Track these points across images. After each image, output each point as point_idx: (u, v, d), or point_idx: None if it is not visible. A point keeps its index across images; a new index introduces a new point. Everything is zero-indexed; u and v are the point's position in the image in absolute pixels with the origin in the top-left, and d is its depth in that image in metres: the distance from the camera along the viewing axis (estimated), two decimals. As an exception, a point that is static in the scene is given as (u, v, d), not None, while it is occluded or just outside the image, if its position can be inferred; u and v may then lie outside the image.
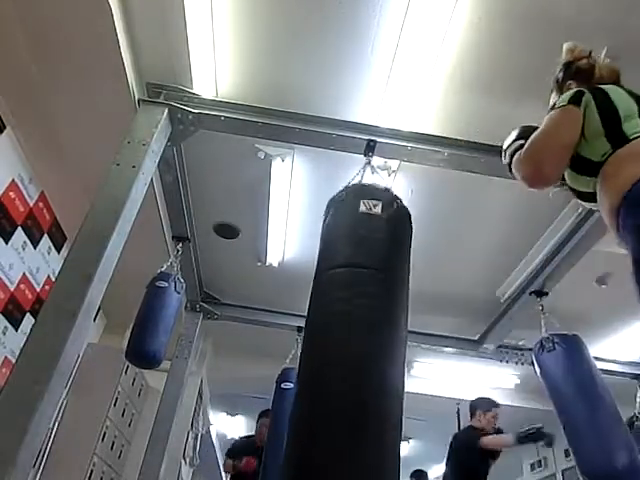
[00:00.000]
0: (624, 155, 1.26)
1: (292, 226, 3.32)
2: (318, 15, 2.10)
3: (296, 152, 2.74)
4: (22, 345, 1.66)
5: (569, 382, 2.73)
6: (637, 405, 4.03)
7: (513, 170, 1.47)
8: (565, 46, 1.69)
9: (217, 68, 2.33)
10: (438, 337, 4.18)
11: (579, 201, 1.46)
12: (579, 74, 1.58)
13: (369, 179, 2.24)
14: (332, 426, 1.31)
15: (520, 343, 4.12)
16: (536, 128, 1.43)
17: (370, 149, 2.33)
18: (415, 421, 6.09)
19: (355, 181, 2.13)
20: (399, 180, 2.80)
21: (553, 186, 1.43)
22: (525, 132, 1.49)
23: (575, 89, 1.44)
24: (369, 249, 1.64)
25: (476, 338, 4.21)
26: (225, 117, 2.35)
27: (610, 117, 1.33)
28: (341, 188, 1.90)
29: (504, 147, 1.58)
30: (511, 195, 2.83)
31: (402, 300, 1.60)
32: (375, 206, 1.73)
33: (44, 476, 3.31)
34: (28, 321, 2.98)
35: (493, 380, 5.11)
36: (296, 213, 3.21)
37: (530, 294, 3.37)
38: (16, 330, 2.91)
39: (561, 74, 1.63)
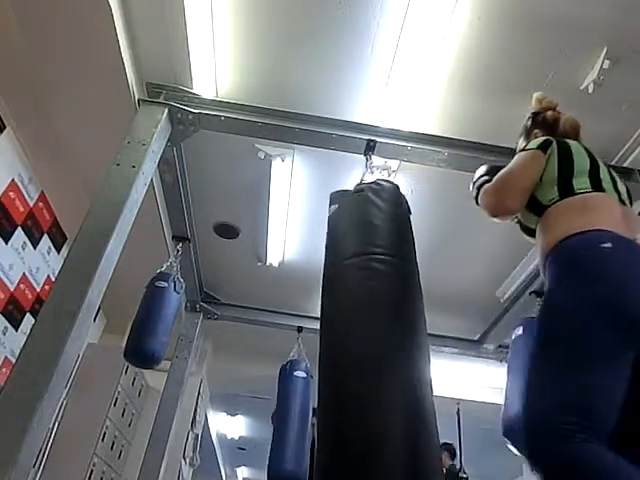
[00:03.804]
0: (564, 208, 1.42)
1: (292, 226, 3.31)
2: (318, 15, 2.10)
3: (296, 152, 2.73)
4: (22, 345, 1.66)
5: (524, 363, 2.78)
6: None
7: (479, 200, 1.66)
8: (534, 96, 1.84)
9: (217, 68, 2.33)
10: (438, 337, 4.16)
11: (524, 234, 1.60)
12: (545, 124, 1.74)
13: (369, 179, 2.24)
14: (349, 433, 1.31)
15: (520, 343, 4.12)
16: (501, 167, 1.60)
17: (370, 149, 2.33)
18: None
19: (356, 180, 2.14)
20: (399, 180, 2.79)
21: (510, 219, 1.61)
22: (491, 170, 1.67)
23: (544, 137, 1.59)
24: (382, 237, 1.67)
25: (476, 338, 4.20)
26: (225, 117, 2.35)
27: (565, 169, 1.49)
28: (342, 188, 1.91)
29: (473, 179, 1.74)
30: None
31: (417, 285, 1.70)
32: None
33: (44, 476, 3.31)
34: (28, 321, 2.98)
35: (493, 380, 5.09)
36: (296, 213, 3.20)
37: (530, 294, 3.36)
38: (16, 330, 2.92)
39: (529, 122, 1.79)
